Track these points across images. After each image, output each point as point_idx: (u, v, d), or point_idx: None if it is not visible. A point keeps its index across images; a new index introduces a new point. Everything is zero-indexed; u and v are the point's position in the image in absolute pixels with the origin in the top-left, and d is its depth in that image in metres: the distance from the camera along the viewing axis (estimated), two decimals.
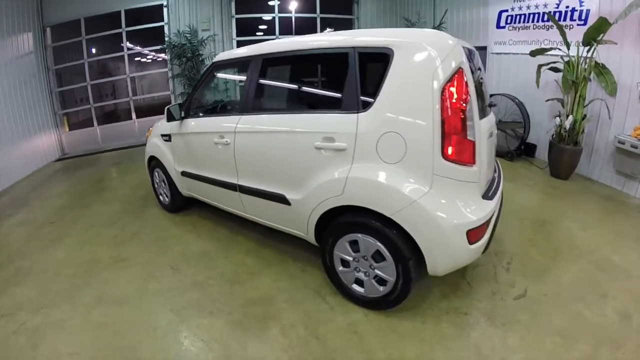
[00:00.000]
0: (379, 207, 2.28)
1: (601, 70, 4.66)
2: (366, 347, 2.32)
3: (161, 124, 4.34)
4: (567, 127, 4.99)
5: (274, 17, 9.33)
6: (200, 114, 3.81)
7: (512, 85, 6.35)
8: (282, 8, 9.39)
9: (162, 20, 8.73)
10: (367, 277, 2.56)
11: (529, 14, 5.85)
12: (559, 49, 5.06)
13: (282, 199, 2.86)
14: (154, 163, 4.64)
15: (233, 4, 9.09)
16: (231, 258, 3.52)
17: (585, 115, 4.98)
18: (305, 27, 9.62)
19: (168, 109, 3.76)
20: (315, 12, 9.36)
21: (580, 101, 4.89)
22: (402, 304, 2.59)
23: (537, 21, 5.70)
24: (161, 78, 10.15)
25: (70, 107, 9.43)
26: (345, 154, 2.41)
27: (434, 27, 7.87)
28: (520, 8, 6.03)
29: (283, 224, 3.07)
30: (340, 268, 2.68)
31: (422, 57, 2.14)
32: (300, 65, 3.23)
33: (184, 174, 4.05)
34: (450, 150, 2.10)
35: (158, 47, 9.08)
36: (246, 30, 9.46)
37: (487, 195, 2.41)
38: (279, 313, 2.69)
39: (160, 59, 10.47)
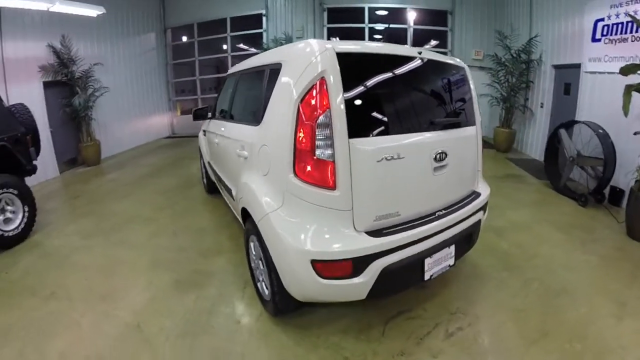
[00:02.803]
0: (253, 213, 2.43)
1: None
2: (233, 338, 2.45)
3: (208, 120, 5.16)
4: None
5: (364, 28, 9.84)
6: (216, 117, 4.39)
7: (605, 112, 5.40)
8: (374, 19, 9.82)
9: (261, 28, 10.09)
10: (261, 278, 2.67)
11: (627, 23, 4.98)
12: None
13: (231, 193, 3.29)
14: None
15: (325, 14, 9.93)
16: (216, 238, 4.09)
17: None
18: (396, 37, 9.85)
19: (194, 110, 4.64)
20: (406, 24, 9.53)
21: None
22: (302, 321, 2.58)
23: (637, 31, 4.82)
24: None
25: (181, 96, 11.65)
26: (247, 161, 2.69)
27: (528, 41, 7.27)
28: (617, 15, 5.15)
29: (238, 215, 3.22)
30: (253, 264, 2.82)
31: (291, 70, 2.18)
32: (246, 81, 3.46)
33: (208, 163, 4.87)
34: (300, 168, 2.01)
35: (258, 51, 10.50)
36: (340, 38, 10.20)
37: (383, 232, 2.08)
38: (204, 287, 3.06)
39: None
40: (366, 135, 2.03)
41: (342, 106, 1.94)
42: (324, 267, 1.96)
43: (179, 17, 10.42)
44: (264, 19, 10.02)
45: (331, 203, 1.97)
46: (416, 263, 2.22)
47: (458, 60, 2.87)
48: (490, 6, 8.99)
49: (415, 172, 2.22)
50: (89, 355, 2.33)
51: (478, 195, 2.77)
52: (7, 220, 3.88)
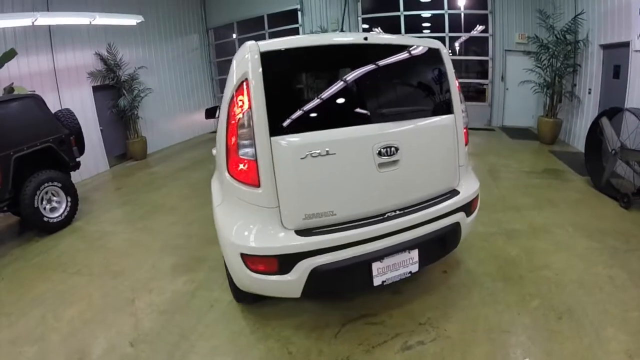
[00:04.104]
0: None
1: None
2: (202, 319, 2.77)
3: None
4: None
5: (399, 16, 9.70)
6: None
7: None
8: (409, 6, 9.64)
9: (297, 23, 10.41)
10: None
11: None
12: None
13: None
14: None
15: (359, 4, 9.95)
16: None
17: None
18: (435, 23, 9.59)
19: (206, 109, 5.00)
20: (443, 9, 9.22)
21: None
22: (266, 311, 2.76)
23: None
24: None
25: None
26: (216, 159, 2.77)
27: (572, 19, 6.71)
28: None
29: None
30: None
31: (231, 72, 2.20)
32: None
33: None
34: (231, 167, 2.11)
35: None
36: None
37: (313, 231, 2.08)
38: (196, 271, 3.44)
39: None
40: (291, 132, 2.04)
41: (263, 105, 1.99)
42: (251, 262, 2.05)
43: (220, 18, 11.12)
44: (299, 14, 10.32)
45: (257, 200, 2.05)
46: (359, 266, 2.14)
47: (432, 41, 2.62)
48: None
49: (352, 169, 2.13)
50: (89, 320, 2.88)
51: (455, 193, 2.53)
52: (52, 209, 4.66)
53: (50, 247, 4.28)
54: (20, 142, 4.32)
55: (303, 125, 2.09)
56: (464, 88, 11.03)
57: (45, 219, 4.50)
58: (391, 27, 9.83)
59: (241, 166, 2.06)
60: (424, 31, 9.98)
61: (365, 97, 2.36)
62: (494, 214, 4.24)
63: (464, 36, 9.87)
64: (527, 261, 3.27)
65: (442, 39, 9.56)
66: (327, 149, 2.05)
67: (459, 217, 2.51)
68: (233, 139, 2.05)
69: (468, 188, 2.62)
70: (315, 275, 2.06)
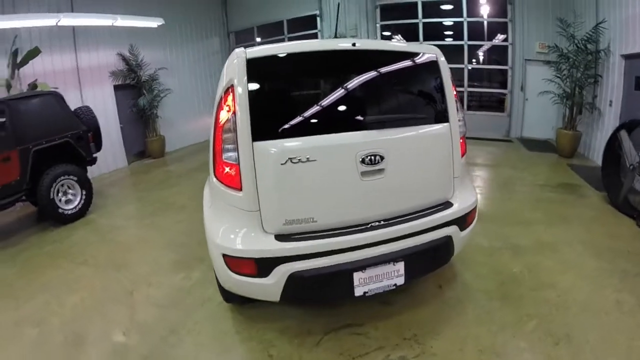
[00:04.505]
0: None
1: None
2: (192, 315, 2.88)
3: None
4: None
5: (418, 23, 9.68)
6: None
7: None
8: (428, 13, 9.61)
9: (316, 28, 10.54)
10: None
11: None
12: None
13: None
14: None
15: (378, 11, 9.99)
16: None
17: None
18: (454, 31, 9.52)
19: None
20: (461, 16, 9.14)
21: None
22: (254, 313, 2.80)
23: None
24: None
25: None
26: None
27: (593, 27, 6.54)
28: None
29: None
30: None
31: (221, 78, 2.27)
32: None
33: None
34: (217, 170, 2.18)
35: None
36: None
37: (292, 237, 2.10)
38: (194, 269, 3.52)
39: None
40: (273, 138, 2.07)
41: (247, 111, 2.03)
42: (232, 263, 2.11)
43: (241, 22, 11.38)
44: (318, 19, 10.46)
45: (239, 203, 2.10)
46: (340, 275, 2.13)
47: (429, 48, 2.56)
48: None
49: (333, 177, 2.13)
50: (89, 307, 3.03)
51: (449, 206, 2.44)
52: (67, 201, 4.90)
53: (63, 237, 4.50)
54: (40, 137, 4.57)
55: (285, 131, 2.11)
56: (482, 98, 10.73)
57: (60, 210, 4.73)
58: (410, 34, 9.83)
59: (226, 170, 2.11)
60: (446, 39, 9.90)
61: (351, 104, 2.35)
62: (501, 228, 4.11)
63: (485, 44, 9.74)
64: (530, 279, 3.11)
65: (460, 47, 9.56)
66: (307, 156, 2.06)
67: (451, 230, 2.41)
68: (219, 143, 2.11)
69: (463, 201, 2.51)
70: (293, 280, 2.07)
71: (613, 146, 5.03)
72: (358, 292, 2.19)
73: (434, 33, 9.76)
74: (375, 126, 2.25)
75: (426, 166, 2.40)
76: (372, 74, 2.35)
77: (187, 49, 10.03)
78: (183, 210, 5.22)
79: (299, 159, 2.06)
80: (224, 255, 2.12)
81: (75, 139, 5.03)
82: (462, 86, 9.36)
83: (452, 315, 2.69)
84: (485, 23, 9.27)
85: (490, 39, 9.44)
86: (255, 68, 2.09)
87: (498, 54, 9.50)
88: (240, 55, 2.11)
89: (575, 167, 6.67)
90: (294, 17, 10.69)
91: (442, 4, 9.41)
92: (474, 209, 2.61)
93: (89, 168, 5.48)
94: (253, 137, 2.04)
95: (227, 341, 2.57)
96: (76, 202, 4.97)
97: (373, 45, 2.50)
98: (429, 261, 2.45)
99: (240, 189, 2.07)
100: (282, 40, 11.19)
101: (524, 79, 8.78)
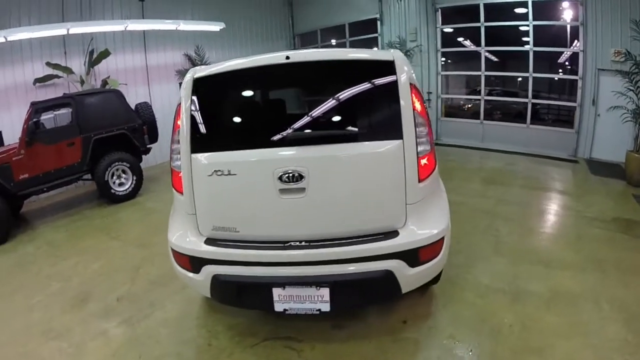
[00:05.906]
0: None
1: None
2: (183, 304, 3.15)
3: None
4: None
5: (479, 27, 9.20)
6: None
7: None
8: (491, 17, 9.05)
9: (376, 32, 10.60)
10: None
11: None
12: None
13: None
14: None
15: (439, 14, 9.69)
16: None
17: None
18: (514, 35, 8.86)
19: None
20: (527, 19, 8.45)
21: None
22: (227, 308, 2.90)
23: None
24: None
25: None
26: None
27: None
28: None
29: None
30: None
31: None
32: None
33: None
34: (172, 176, 2.41)
35: None
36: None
37: (217, 242, 2.28)
38: None
39: None
40: (207, 150, 2.26)
41: (188, 125, 2.25)
42: (176, 256, 2.43)
43: (306, 25, 11.89)
44: (378, 23, 10.51)
45: (182, 206, 2.37)
46: (259, 287, 2.25)
47: (385, 53, 2.36)
48: None
49: (252, 191, 2.25)
50: (104, 273, 3.73)
51: (392, 236, 2.17)
52: (120, 184, 5.81)
53: (111, 213, 5.39)
54: (100, 127, 5.53)
55: (216, 144, 2.30)
56: (547, 110, 9.71)
57: (112, 190, 5.65)
58: (472, 38, 9.41)
59: (174, 176, 2.40)
60: (509, 45, 9.26)
61: (278, 119, 2.43)
62: (513, 265, 3.41)
63: (553, 51, 8.89)
64: (517, 338, 2.47)
65: (525, 54, 8.85)
66: (228, 169, 2.20)
67: (393, 264, 2.13)
68: (171, 152, 2.41)
69: (417, 232, 2.20)
70: (217, 282, 2.25)
71: None
72: (278, 307, 2.24)
73: (497, 38, 9.21)
74: (297, 143, 2.23)
75: (362, 188, 2.21)
76: (305, 87, 2.44)
77: (252, 50, 10.74)
78: None
79: (222, 172, 2.21)
80: (172, 250, 2.45)
81: (131, 131, 5.91)
82: (526, 97, 8.70)
83: (398, 359, 2.37)
84: (553, 28, 8.47)
85: (559, 44, 8.60)
86: (200, 86, 2.31)
87: (568, 62, 8.62)
88: (190, 74, 2.37)
89: None
90: (356, 20, 10.87)
91: (506, 6, 8.82)
92: (436, 244, 2.24)
93: (151, 156, 6.33)
94: (192, 149, 2.27)
95: (186, 324, 2.91)
96: (127, 185, 5.86)
97: (309, 57, 2.47)
98: (362, 294, 2.27)
99: (182, 193, 2.34)
100: (344, 44, 11.45)
101: (596, 92, 7.83)
